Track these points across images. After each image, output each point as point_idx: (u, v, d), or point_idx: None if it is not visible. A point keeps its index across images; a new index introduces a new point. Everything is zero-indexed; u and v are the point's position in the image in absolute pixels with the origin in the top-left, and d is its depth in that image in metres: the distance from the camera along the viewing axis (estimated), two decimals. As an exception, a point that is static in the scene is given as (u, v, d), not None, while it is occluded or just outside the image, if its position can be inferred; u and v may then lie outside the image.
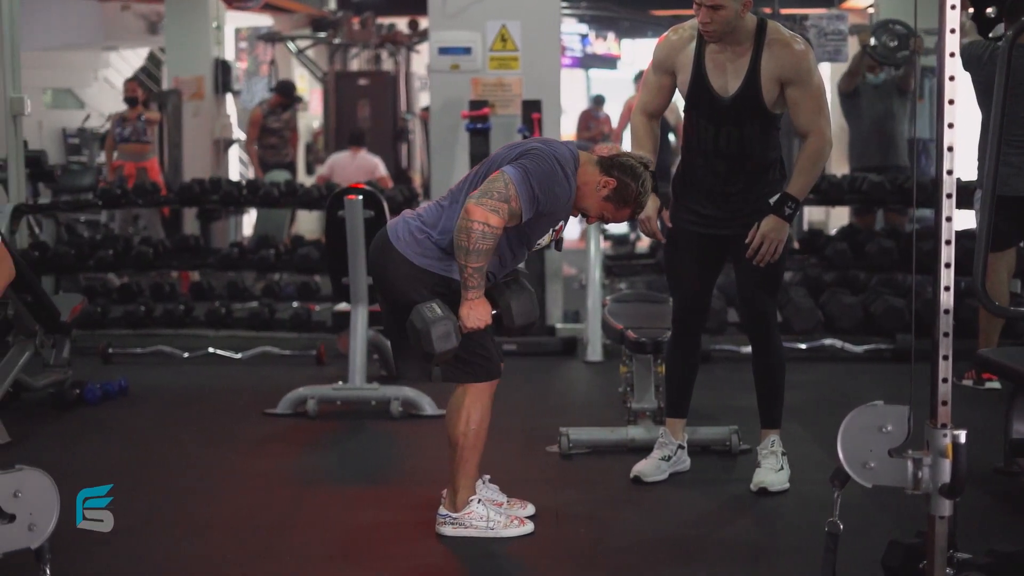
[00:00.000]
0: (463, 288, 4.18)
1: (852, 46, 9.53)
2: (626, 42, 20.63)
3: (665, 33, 4.95)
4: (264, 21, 16.62)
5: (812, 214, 12.64)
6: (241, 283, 8.81)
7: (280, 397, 6.29)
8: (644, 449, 5.25)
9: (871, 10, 12.28)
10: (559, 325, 8.32)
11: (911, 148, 9.76)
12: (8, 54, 7.61)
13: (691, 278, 5.01)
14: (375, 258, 4.36)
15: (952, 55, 3.08)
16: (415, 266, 4.24)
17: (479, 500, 4.37)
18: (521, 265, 4.47)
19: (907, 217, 9.45)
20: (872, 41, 9.04)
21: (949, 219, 3.10)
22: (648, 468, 5.04)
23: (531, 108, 8.13)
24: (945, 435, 3.11)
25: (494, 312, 4.28)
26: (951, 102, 3.09)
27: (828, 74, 12.90)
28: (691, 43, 4.81)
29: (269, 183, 9.46)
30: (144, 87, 11.23)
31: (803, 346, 7.69)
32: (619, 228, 13.00)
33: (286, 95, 12.86)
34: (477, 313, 4.19)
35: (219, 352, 7.78)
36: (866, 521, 4.26)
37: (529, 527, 4.41)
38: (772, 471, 4.91)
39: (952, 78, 3.08)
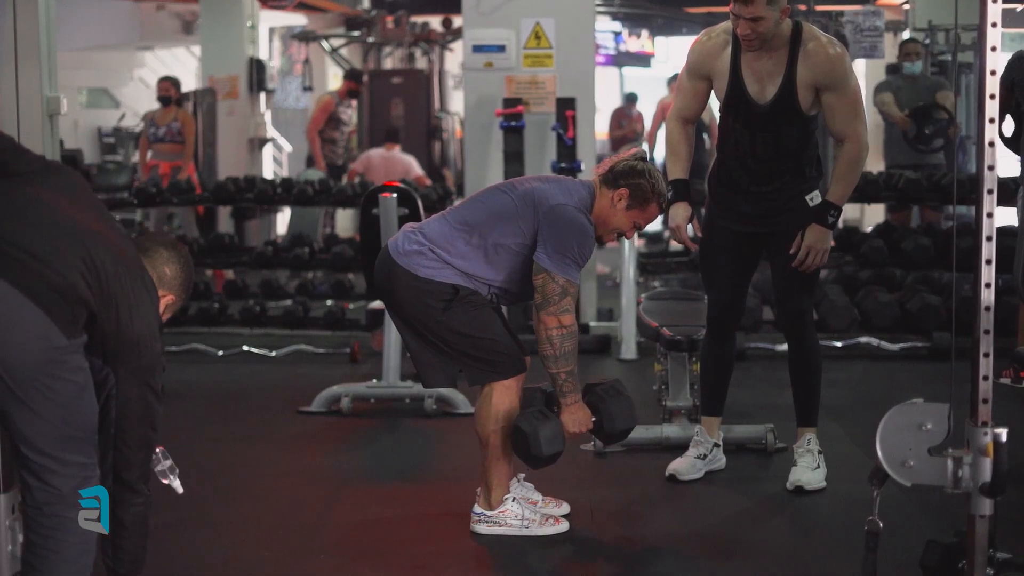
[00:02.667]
0: (560, 395, 4.30)
1: (887, 43, 9.45)
2: (660, 40, 20.57)
3: (699, 36, 4.92)
4: (298, 20, 16.66)
5: (847, 211, 12.50)
6: (275, 281, 8.83)
7: (314, 395, 6.30)
8: (679, 447, 5.23)
9: (907, 6, 12.19)
10: (593, 323, 8.30)
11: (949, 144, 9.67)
12: (45, 54, 7.63)
13: (726, 276, 4.98)
14: (380, 277, 4.36)
15: (993, 49, 3.04)
16: (420, 278, 4.23)
17: (514, 498, 4.36)
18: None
19: (943, 214, 9.38)
20: (910, 130, 8.88)
21: (990, 215, 3.06)
22: (683, 466, 5.02)
23: (565, 106, 8.10)
24: (986, 433, 3.06)
25: (594, 419, 4.35)
26: (992, 97, 3.05)
27: (863, 71, 12.84)
28: (726, 48, 4.77)
29: (303, 181, 9.47)
30: (176, 85, 11.22)
31: (839, 344, 7.64)
32: (652, 226, 12.93)
33: (357, 80, 12.72)
34: (578, 418, 4.31)
35: (253, 350, 7.80)
36: (903, 520, 4.21)
37: (564, 526, 4.39)
38: (808, 469, 4.88)
39: (993, 73, 3.04)
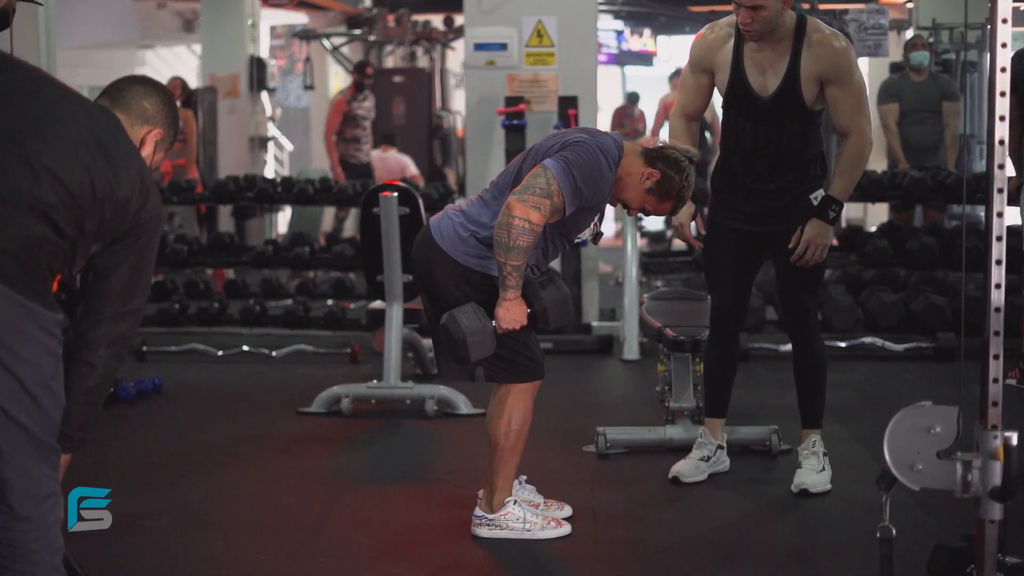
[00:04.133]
0: (501, 287, 4.10)
1: (892, 41, 9.41)
2: (662, 39, 20.50)
3: (701, 31, 4.88)
4: (299, 19, 16.62)
5: (849, 211, 12.51)
6: (276, 281, 8.78)
7: (314, 395, 6.25)
8: (682, 449, 5.18)
9: (910, 5, 12.14)
10: (595, 323, 8.25)
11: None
12: (45, 52, 7.59)
13: (730, 276, 4.93)
14: (419, 257, 4.28)
15: (1004, 45, 2.99)
16: (460, 264, 4.17)
17: (515, 501, 4.31)
18: (555, 263, 4.38)
19: (946, 213, 9.34)
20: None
21: (1000, 215, 3.01)
22: (687, 468, 4.97)
23: (567, 104, 8.05)
24: (996, 436, 3.02)
25: (528, 312, 4.19)
26: (1003, 94, 3.00)
27: (867, 70, 12.79)
28: (729, 41, 4.73)
29: (304, 180, 9.43)
30: (184, 88, 11.18)
31: (843, 344, 7.59)
32: (655, 224, 12.91)
33: (359, 71, 12.44)
34: (513, 314, 4.11)
35: (253, 350, 7.76)
36: (909, 523, 4.16)
37: (566, 529, 4.35)
38: (813, 472, 4.83)
39: (1004, 69, 2.99)
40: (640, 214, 4.40)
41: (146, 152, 3.01)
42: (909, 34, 11.13)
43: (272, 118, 13.89)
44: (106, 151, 2.84)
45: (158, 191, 3.03)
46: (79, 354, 2.89)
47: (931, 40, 10.22)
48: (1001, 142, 3.01)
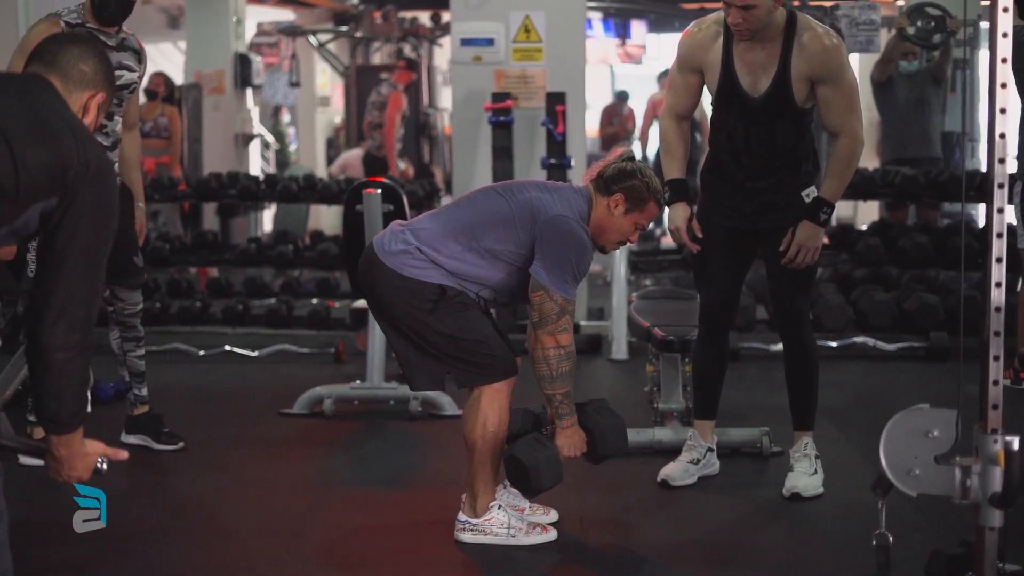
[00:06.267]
0: (556, 416, 4.19)
1: (883, 38, 9.33)
2: (651, 37, 20.39)
3: (688, 28, 4.78)
4: (286, 16, 16.50)
5: (840, 208, 12.38)
6: (260, 280, 8.66)
7: (297, 396, 6.14)
8: (672, 451, 5.08)
9: (900, 2, 12.05)
10: (583, 322, 8.15)
11: (946, 140, 9.56)
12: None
13: (720, 274, 4.84)
14: (364, 275, 4.20)
15: (1004, 35, 2.89)
16: (405, 278, 4.07)
17: (500, 506, 4.20)
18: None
19: (939, 211, 9.25)
20: (908, 28, 8.86)
21: (1001, 211, 2.92)
22: (676, 472, 4.86)
23: (555, 101, 7.94)
24: (996, 441, 2.92)
25: (587, 440, 4.24)
26: (1003, 86, 2.89)
27: (858, 66, 12.69)
28: (718, 40, 4.62)
29: (288, 177, 9.32)
30: (168, 84, 11.05)
31: (834, 344, 7.49)
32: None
33: (413, 68, 12.40)
34: (574, 441, 4.21)
35: (236, 350, 7.64)
36: (905, 527, 4.06)
37: (552, 534, 4.24)
38: (805, 475, 4.73)
39: (1004, 60, 2.89)
40: (639, 233, 4.32)
41: (90, 119, 2.91)
42: (908, 28, 11.03)
43: (278, 115, 13.72)
44: (37, 117, 2.74)
45: (99, 145, 2.90)
46: (38, 327, 2.74)
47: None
48: (1002, 136, 2.91)
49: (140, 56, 5.26)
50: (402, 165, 12.22)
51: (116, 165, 5.25)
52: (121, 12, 5.13)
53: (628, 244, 4.45)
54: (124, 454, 2.92)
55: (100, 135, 5.10)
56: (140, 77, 5.30)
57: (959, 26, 9.01)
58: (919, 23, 8.83)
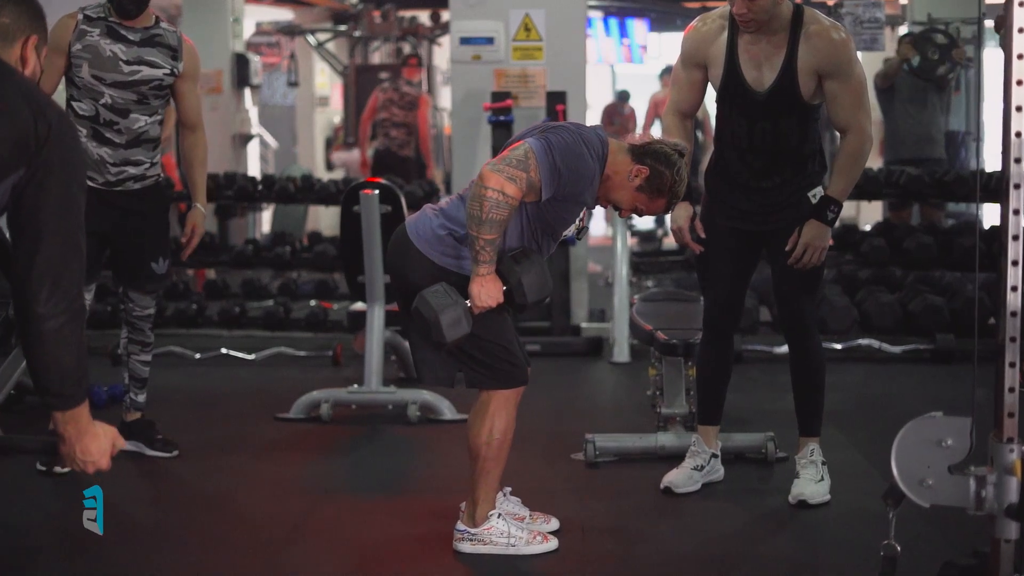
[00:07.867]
0: (473, 263, 3.89)
1: (887, 37, 9.24)
2: (652, 36, 20.29)
3: (693, 23, 4.68)
4: (284, 15, 16.40)
5: (843, 209, 12.32)
6: (257, 281, 8.56)
7: (294, 400, 6.04)
8: (675, 457, 4.99)
9: (904, 0, 11.96)
10: (584, 324, 8.05)
11: (950, 140, 9.47)
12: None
13: (724, 276, 4.74)
14: (394, 257, 4.08)
15: (1021, 31, 2.79)
16: (436, 266, 3.97)
17: (499, 515, 4.10)
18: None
19: (943, 212, 9.16)
20: (913, 58, 8.82)
21: (1017, 212, 2.82)
22: (680, 478, 4.77)
23: (555, 100, 7.86)
24: (1012, 450, 2.83)
25: (504, 289, 3.94)
26: (1019, 83, 2.79)
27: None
28: (722, 34, 4.53)
29: (285, 177, 9.22)
30: None
31: (838, 346, 7.40)
32: (646, 224, 12.72)
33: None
34: (488, 290, 3.88)
35: (232, 353, 7.53)
36: (915, 537, 3.96)
37: (553, 543, 4.14)
38: (812, 482, 4.64)
39: (1020, 56, 2.79)
40: (633, 215, 4.19)
41: (31, 66, 2.79)
42: (903, 30, 10.97)
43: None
44: None
45: (53, 102, 2.76)
46: (23, 298, 2.63)
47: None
48: (1018, 134, 2.81)
49: (176, 53, 5.12)
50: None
51: (159, 167, 5.15)
52: (136, 5, 5.06)
53: (628, 244, 4.33)
54: (122, 442, 2.81)
55: (112, 132, 5.00)
56: (174, 74, 5.11)
57: (963, 56, 8.97)
58: (927, 52, 8.80)
